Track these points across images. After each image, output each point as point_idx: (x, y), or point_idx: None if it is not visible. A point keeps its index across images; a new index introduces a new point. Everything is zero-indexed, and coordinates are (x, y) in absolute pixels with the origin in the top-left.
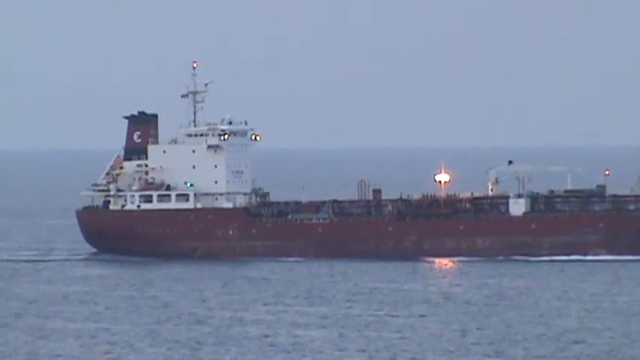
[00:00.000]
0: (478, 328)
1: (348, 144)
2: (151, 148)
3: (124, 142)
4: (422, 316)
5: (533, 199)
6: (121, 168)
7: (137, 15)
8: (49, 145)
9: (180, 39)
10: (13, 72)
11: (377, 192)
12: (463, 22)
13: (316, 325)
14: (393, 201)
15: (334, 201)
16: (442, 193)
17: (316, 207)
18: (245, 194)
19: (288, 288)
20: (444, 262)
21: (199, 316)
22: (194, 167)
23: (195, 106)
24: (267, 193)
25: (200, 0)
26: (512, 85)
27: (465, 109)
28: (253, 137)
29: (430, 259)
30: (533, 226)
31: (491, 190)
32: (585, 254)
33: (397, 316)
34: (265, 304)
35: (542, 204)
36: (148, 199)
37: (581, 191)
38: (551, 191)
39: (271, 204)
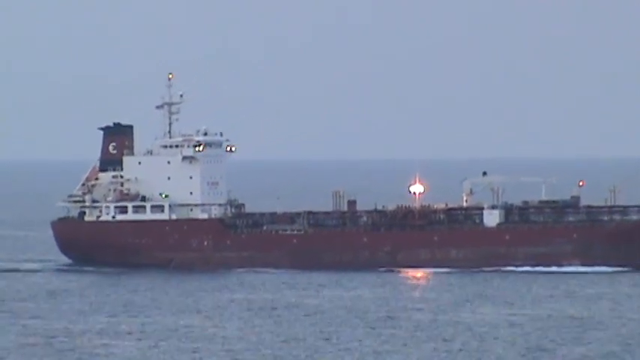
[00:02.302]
0: (284, 341)
1: (342, 151)
2: (126, 159)
3: (99, 153)
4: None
5: (508, 209)
6: (97, 179)
7: (137, 15)
8: (42, 156)
9: (180, 39)
10: (13, 72)
11: (352, 203)
12: (463, 22)
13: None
14: (367, 212)
15: (309, 212)
16: (417, 204)
17: (291, 218)
18: (220, 205)
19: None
20: (407, 272)
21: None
22: (169, 178)
23: (170, 118)
24: (243, 204)
25: (200, 0)
26: (512, 87)
27: (464, 111)
28: (228, 148)
29: (404, 270)
30: (507, 237)
31: (466, 201)
32: (559, 265)
33: (209, 324)
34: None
35: (517, 215)
36: (124, 210)
37: (555, 202)
38: (526, 202)
39: (246, 215)
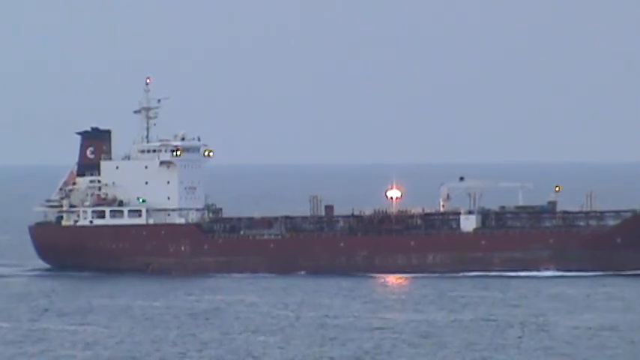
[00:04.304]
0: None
1: (319, 156)
2: (103, 163)
3: (77, 158)
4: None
5: (484, 215)
6: (74, 184)
7: (136, 14)
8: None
9: (180, 38)
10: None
11: (329, 208)
12: (444, 28)
13: None
14: (345, 217)
15: (286, 217)
16: (393, 209)
17: (269, 223)
18: (198, 210)
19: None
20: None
21: None
22: (147, 183)
23: (148, 122)
24: (220, 209)
25: (199, 0)
26: (490, 93)
27: (442, 116)
28: (206, 153)
29: (381, 274)
30: (484, 242)
31: (443, 206)
32: (536, 270)
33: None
34: None
35: (493, 220)
36: (101, 214)
37: (532, 207)
38: (502, 207)
39: (224, 220)
